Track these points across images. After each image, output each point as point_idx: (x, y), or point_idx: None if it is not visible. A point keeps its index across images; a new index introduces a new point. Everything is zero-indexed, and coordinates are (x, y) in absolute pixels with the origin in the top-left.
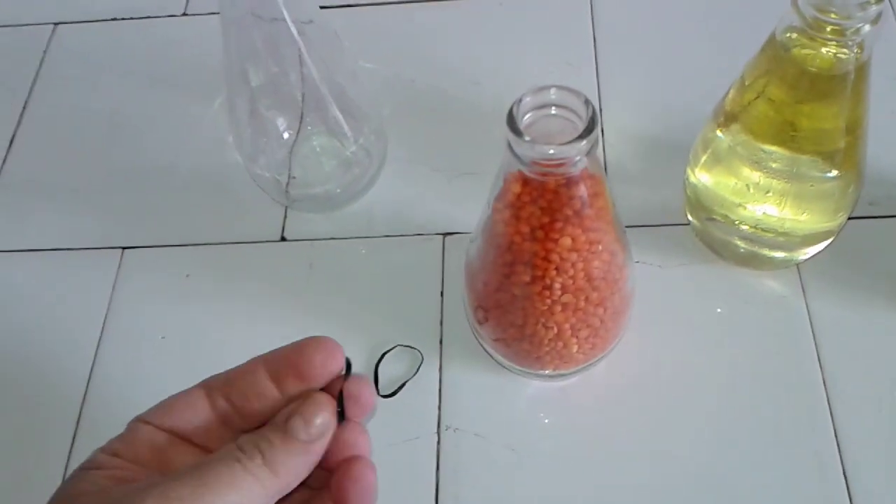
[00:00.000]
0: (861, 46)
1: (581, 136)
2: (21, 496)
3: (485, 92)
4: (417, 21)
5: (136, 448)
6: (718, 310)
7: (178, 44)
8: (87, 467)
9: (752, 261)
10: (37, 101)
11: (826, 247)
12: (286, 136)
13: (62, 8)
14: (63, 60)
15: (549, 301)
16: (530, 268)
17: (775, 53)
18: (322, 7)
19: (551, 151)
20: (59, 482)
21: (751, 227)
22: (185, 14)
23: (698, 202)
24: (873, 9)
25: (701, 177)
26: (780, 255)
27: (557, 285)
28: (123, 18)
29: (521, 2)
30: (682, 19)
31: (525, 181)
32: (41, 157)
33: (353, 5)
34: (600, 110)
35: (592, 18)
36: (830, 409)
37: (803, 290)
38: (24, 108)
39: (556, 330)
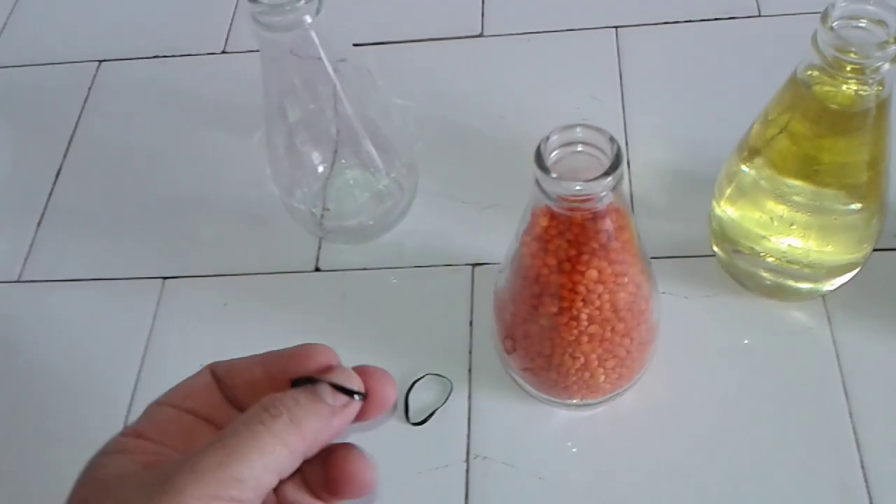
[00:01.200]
0: (882, 83)
1: (606, 173)
2: None
3: (511, 126)
4: (446, 57)
5: (162, 428)
6: (745, 341)
7: (218, 80)
8: (111, 451)
9: (777, 292)
10: (82, 135)
11: (852, 278)
12: (321, 169)
13: (106, 46)
14: (107, 96)
15: (575, 332)
16: (557, 299)
17: (797, 90)
18: (355, 44)
19: (578, 188)
20: None
21: (776, 259)
22: (224, 52)
23: (724, 234)
24: (892, 48)
25: (726, 209)
26: (805, 286)
27: (584, 316)
28: (165, 56)
29: (547, 38)
30: (707, 55)
31: (552, 215)
32: (85, 190)
33: (385, 42)
34: (626, 144)
35: (618, 54)
36: (857, 440)
37: (829, 322)
38: (69, 142)
39: (582, 360)
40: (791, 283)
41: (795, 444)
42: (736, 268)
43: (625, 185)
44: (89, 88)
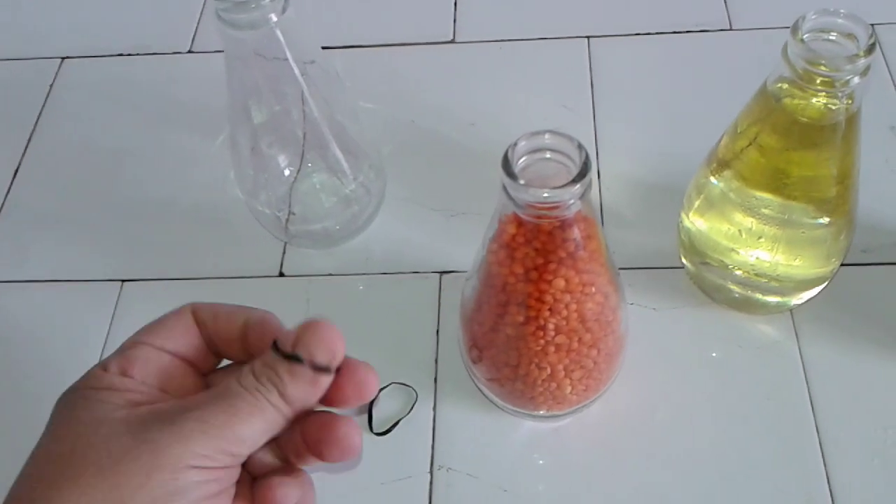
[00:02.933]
0: (851, 97)
1: (574, 180)
2: None
3: (482, 134)
4: (417, 62)
5: (145, 368)
6: (713, 353)
7: (184, 80)
8: (95, 387)
9: (745, 305)
10: (42, 133)
11: (820, 292)
12: (287, 173)
13: (70, 43)
14: (69, 94)
15: (542, 342)
16: (524, 308)
17: (767, 103)
18: (324, 47)
19: (545, 195)
20: None
21: (744, 271)
22: (190, 51)
23: (692, 246)
24: (862, 61)
25: (695, 221)
26: (773, 299)
27: (551, 326)
28: (130, 54)
29: (519, 46)
30: (678, 67)
31: (520, 223)
32: (45, 189)
33: (356, 46)
34: (596, 154)
35: (590, 63)
36: (823, 454)
37: (797, 336)
38: (28, 140)
39: (549, 371)
40: (759, 296)
41: (762, 457)
42: (704, 280)
43: (594, 195)
44: (50, 86)
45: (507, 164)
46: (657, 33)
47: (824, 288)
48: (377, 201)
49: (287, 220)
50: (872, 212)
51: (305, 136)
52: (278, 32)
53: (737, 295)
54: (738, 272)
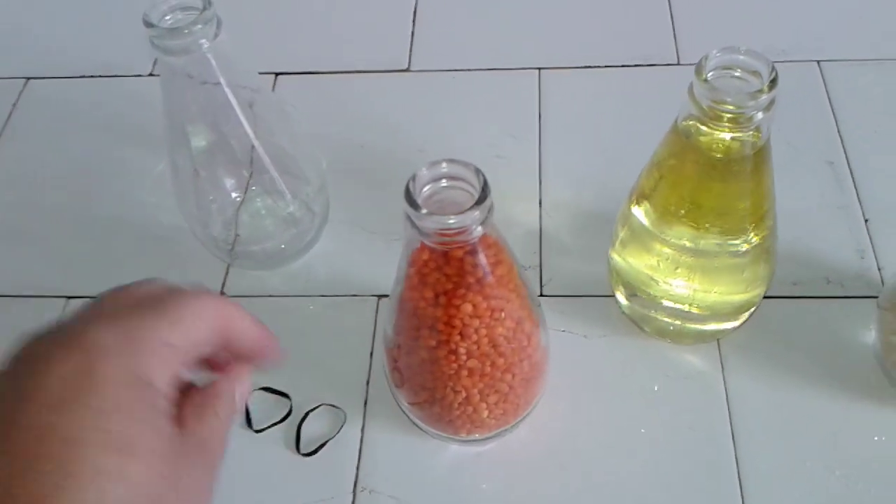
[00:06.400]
0: (758, 130)
1: (474, 206)
2: None
3: (429, 159)
4: (373, 89)
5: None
6: (639, 382)
7: (143, 102)
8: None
9: (671, 334)
10: (2, 149)
11: (747, 324)
12: (229, 196)
13: (35, 63)
14: (32, 113)
15: (455, 365)
16: (436, 332)
17: (678, 138)
18: (281, 73)
19: (451, 221)
20: None
21: (666, 300)
22: (151, 74)
23: (619, 277)
24: (764, 97)
25: (620, 253)
26: (697, 327)
27: (462, 350)
28: (93, 76)
29: (472, 76)
30: (625, 100)
31: (431, 249)
32: (2, 208)
33: (312, 73)
34: (539, 182)
35: (539, 94)
36: (741, 485)
37: (722, 366)
38: None
39: (464, 394)
40: (684, 324)
41: (682, 486)
42: (632, 309)
43: (534, 221)
44: (13, 105)
45: (408, 194)
46: (606, 66)
47: (752, 320)
48: (320, 223)
49: (233, 242)
50: (805, 246)
51: (244, 160)
52: (210, 57)
53: (662, 324)
54: (662, 301)
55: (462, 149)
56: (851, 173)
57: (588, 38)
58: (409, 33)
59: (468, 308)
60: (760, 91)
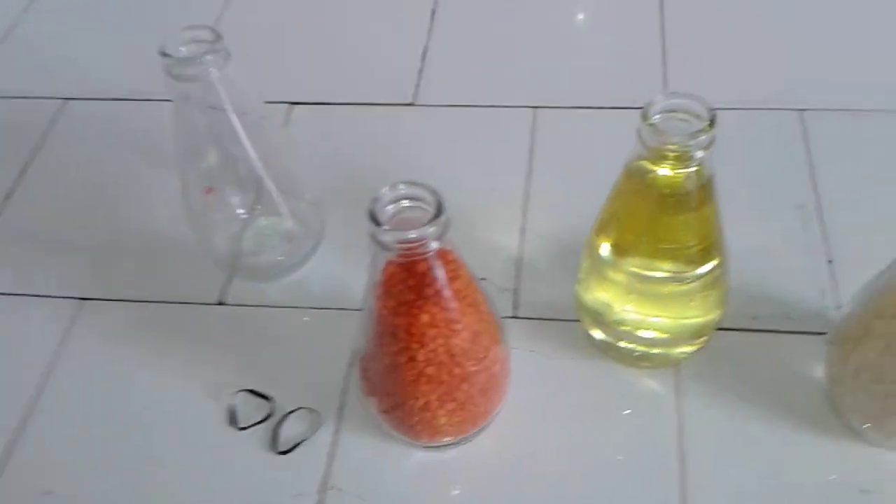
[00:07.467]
0: (701, 166)
1: (430, 223)
2: None
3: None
4: (379, 121)
5: None
6: (597, 402)
7: (166, 124)
8: None
9: (630, 359)
10: (39, 163)
11: (705, 353)
12: (237, 212)
13: (74, 85)
14: (68, 131)
15: (414, 372)
16: (396, 339)
17: (629, 175)
18: (296, 103)
19: (408, 236)
20: None
21: (624, 327)
22: None
23: (582, 304)
24: (703, 137)
25: (584, 281)
26: (654, 351)
27: (421, 357)
28: (127, 99)
29: (472, 111)
30: (612, 139)
31: (397, 263)
32: (32, 213)
33: (321, 103)
34: (524, 214)
35: (532, 131)
36: None
37: (678, 392)
38: (25, 169)
39: (423, 401)
40: (638, 348)
41: None
42: (595, 336)
43: (514, 249)
44: (50, 122)
45: (372, 213)
46: (597, 107)
47: (710, 349)
48: (316, 239)
49: (236, 256)
50: (769, 282)
51: (249, 179)
52: (218, 86)
53: (623, 350)
54: (620, 328)
55: (457, 179)
56: (821, 216)
57: (582, 80)
58: (418, 70)
59: (425, 318)
60: (700, 131)
